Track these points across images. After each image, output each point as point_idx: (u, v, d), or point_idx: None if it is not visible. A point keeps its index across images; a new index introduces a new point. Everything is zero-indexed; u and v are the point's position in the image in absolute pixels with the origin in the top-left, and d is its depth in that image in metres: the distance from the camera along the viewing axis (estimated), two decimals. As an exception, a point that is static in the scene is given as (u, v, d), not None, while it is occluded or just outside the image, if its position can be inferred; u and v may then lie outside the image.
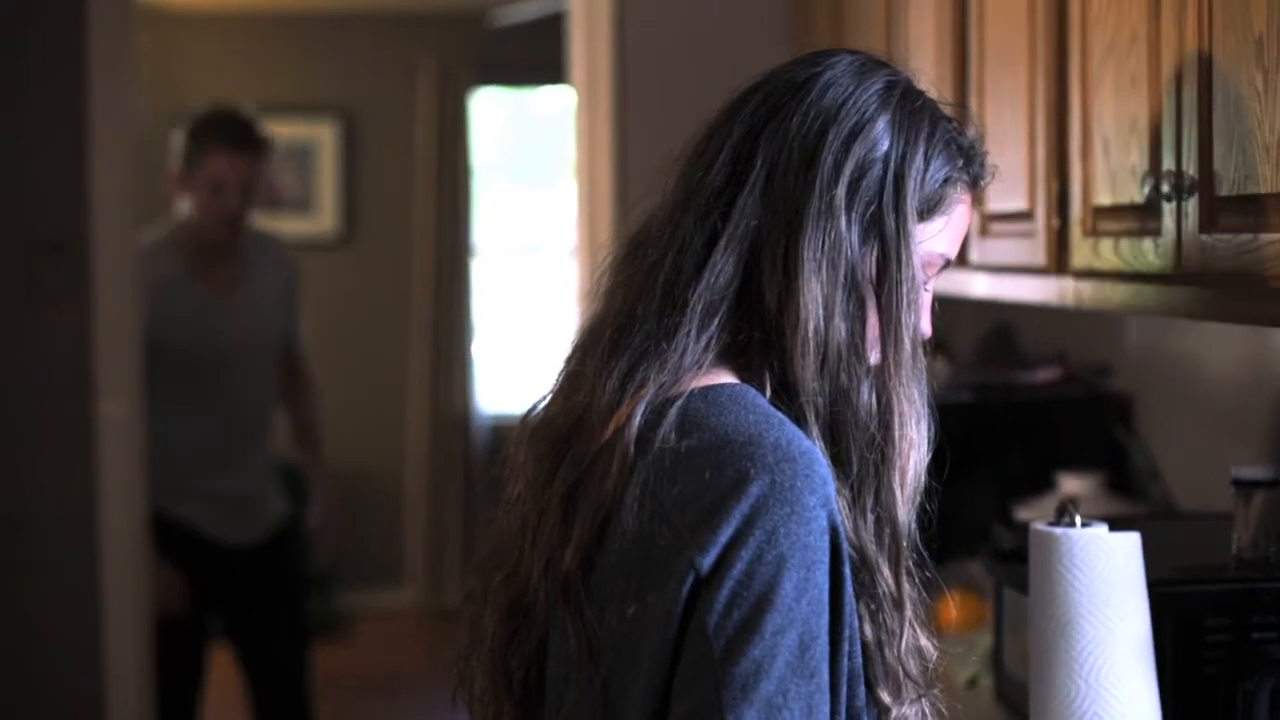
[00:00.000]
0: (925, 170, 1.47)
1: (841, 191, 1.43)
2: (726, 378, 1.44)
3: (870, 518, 1.42)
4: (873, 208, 1.45)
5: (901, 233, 1.45)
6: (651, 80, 4.19)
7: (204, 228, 4.14)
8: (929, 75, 2.81)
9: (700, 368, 1.43)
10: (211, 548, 4.18)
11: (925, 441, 1.46)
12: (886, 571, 1.41)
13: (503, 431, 7.70)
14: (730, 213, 1.45)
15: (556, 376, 1.55)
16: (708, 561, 1.31)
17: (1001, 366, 3.62)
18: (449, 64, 7.56)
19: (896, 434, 1.43)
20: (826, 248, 1.43)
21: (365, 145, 7.64)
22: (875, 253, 1.45)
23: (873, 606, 1.40)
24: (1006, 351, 3.80)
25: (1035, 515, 2.75)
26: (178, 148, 4.17)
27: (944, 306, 3.65)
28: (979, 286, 2.70)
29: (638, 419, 1.40)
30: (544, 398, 1.55)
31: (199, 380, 4.16)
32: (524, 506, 1.50)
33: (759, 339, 1.44)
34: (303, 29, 7.50)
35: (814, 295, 1.42)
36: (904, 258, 1.45)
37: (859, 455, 1.42)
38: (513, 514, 1.52)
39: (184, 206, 4.18)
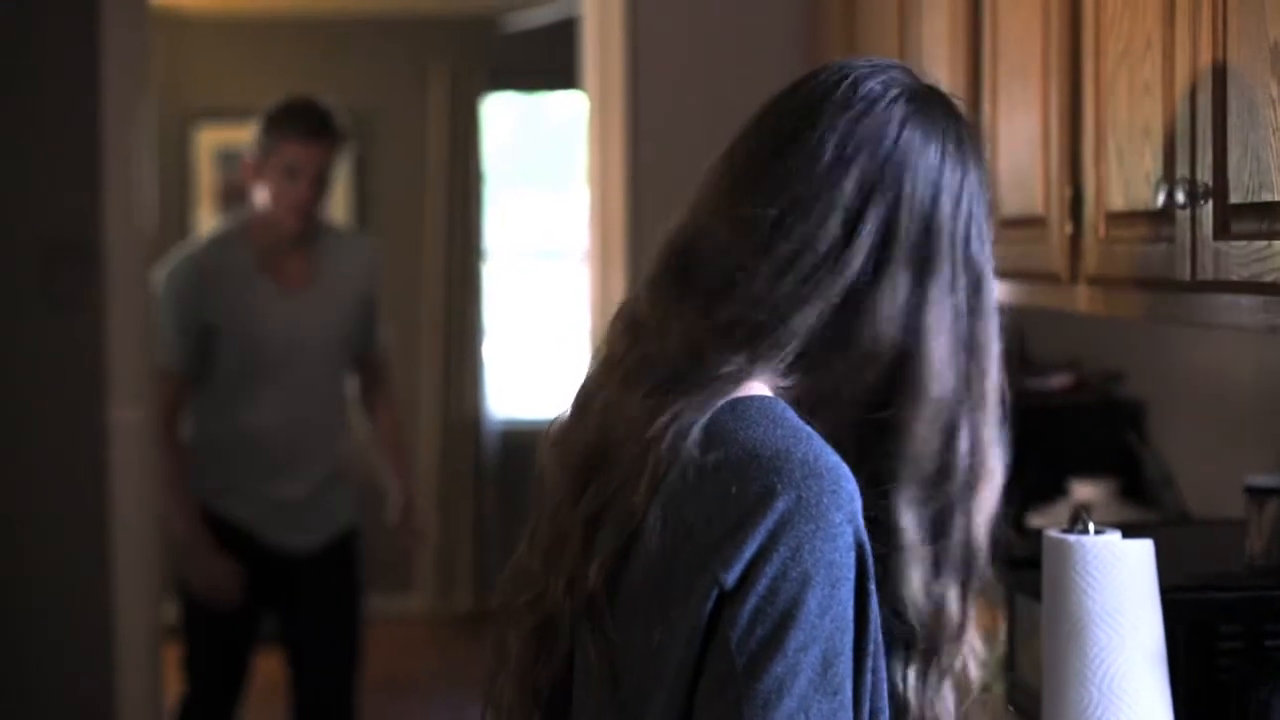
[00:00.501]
0: (987, 208, 1.51)
1: (960, 253, 1.46)
2: (757, 388, 1.43)
3: (951, 551, 1.43)
4: (971, 259, 1.47)
5: (988, 275, 1.49)
6: (664, 85, 4.20)
7: (276, 218, 4.06)
8: (942, 80, 2.82)
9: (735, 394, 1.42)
10: (269, 551, 4.12)
11: (1001, 470, 1.48)
12: (954, 599, 1.44)
13: (512, 437, 7.71)
14: (832, 274, 1.43)
15: (583, 392, 1.53)
16: (732, 577, 1.31)
17: (1013, 373, 3.61)
18: (461, 69, 7.57)
19: (979, 467, 1.45)
20: (951, 312, 1.45)
21: (377, 150, 7.64)
22: (974, 299, 1.47)
23: (924, 648, 1.43)
24: (1017, 358, 3.80)
25: (1048, 522, 2.75)
26: (255, 138, 4.11)
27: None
28: (991, 292, 2.70)
29: (667, 437, 1.39)
30: (569, 413, 1.54)
31: (258, 375, 4.06)
32: (548, 526, 1.49)
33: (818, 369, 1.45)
34: (315, 33, 7.51)
35: (941, 357, 1.44)
36: (992, 296, 1.49)
37: (950, 494, 1.44)
38: (537, 534, 1.52)
39: (259, 197, 4.10)
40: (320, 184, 4.04)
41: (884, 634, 1.40)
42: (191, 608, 4.13)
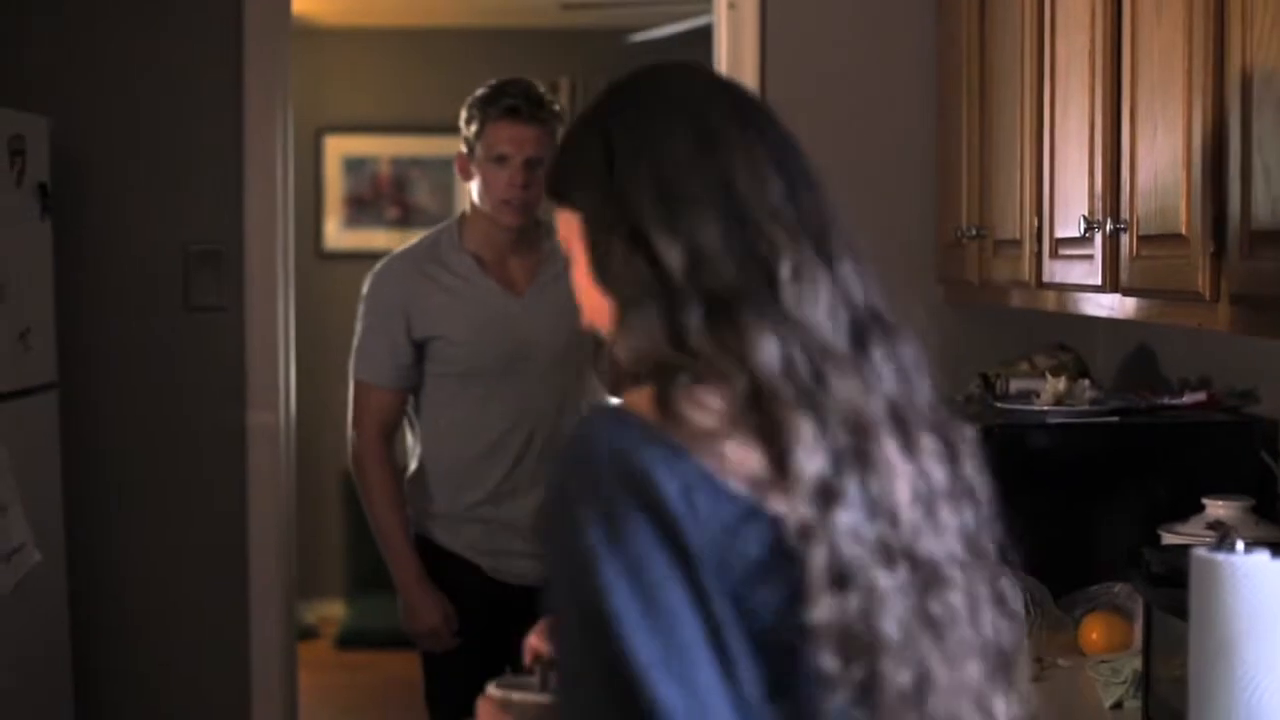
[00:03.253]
0: None
1: None
2: None
3: None
4: None
5: None
6: (795, 105, 4.22)
7: (490, 212, 3.67)
8: (1083, 97, 2.82)
9: None
10: (497, 583, 3.71)
11: None
12: None
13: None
14: None
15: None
16: None
17: (1144, 389, 3.60)
18: (588, 81, 7.62)
19: None
20: None
21: (503, 160, 7.69)
22: None
23: None
24: (1148, 374, 3.79)
25: (1183, 539, 2.75)
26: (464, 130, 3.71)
27: (1086, 327, 3.61)
28: (1128, 309, 2.70)
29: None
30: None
31: (483, 386, 3.67)
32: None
33: None
34: (447, 45, 7.59)
35: None
36: None
37: None
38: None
39: (474, 193, 3.71)
40: (532, 171, 3.61)
41: None
42: (428, 659, 3.77)
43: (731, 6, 4.27)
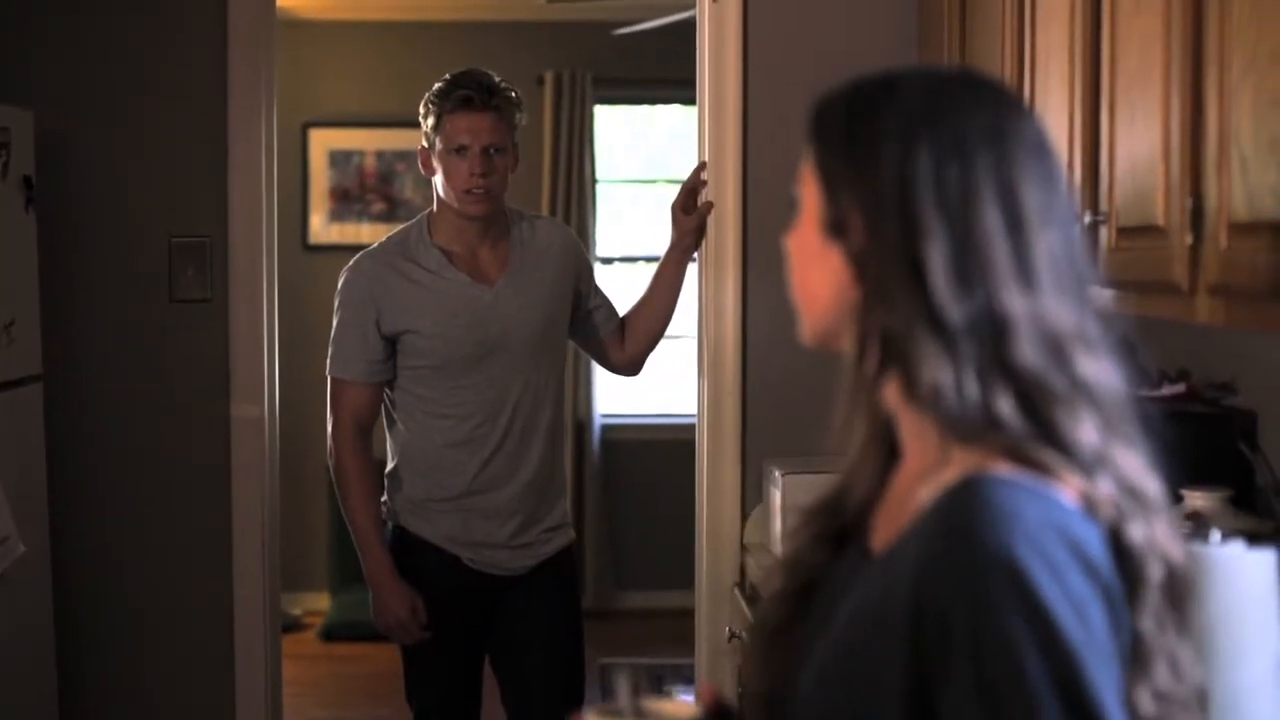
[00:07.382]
0: None
1: None
2: None
3: None
4: None
5: None
6: (777, 91, 4.23)
7: (454, 204, 3.69)
8: (1061, 89, 2.83)
9: None
10: (475, 574, 3.75)
11: None
12: None
13: (610, 431, 7.73)
14: None
15: None
16: None
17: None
18: (574, 73, 7.62)
19: None
20: None
21: (487, 153, 7.69)
22: None
23: None
24: (1126, 366, 3.79)
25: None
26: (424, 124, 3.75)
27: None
28: (1106, 301, 2.70)
29: None
30: None
31: (457, 378, 3.69)
32: None
33: None
34: (432, 38, 7.58)
35: None
36: None
37: None
38: None
39: (439, 187, 3.73)
40: (491, 159, 3.66)
41: None
42: (407, 651, 3.81)
43: (714, 0, 4.27)
